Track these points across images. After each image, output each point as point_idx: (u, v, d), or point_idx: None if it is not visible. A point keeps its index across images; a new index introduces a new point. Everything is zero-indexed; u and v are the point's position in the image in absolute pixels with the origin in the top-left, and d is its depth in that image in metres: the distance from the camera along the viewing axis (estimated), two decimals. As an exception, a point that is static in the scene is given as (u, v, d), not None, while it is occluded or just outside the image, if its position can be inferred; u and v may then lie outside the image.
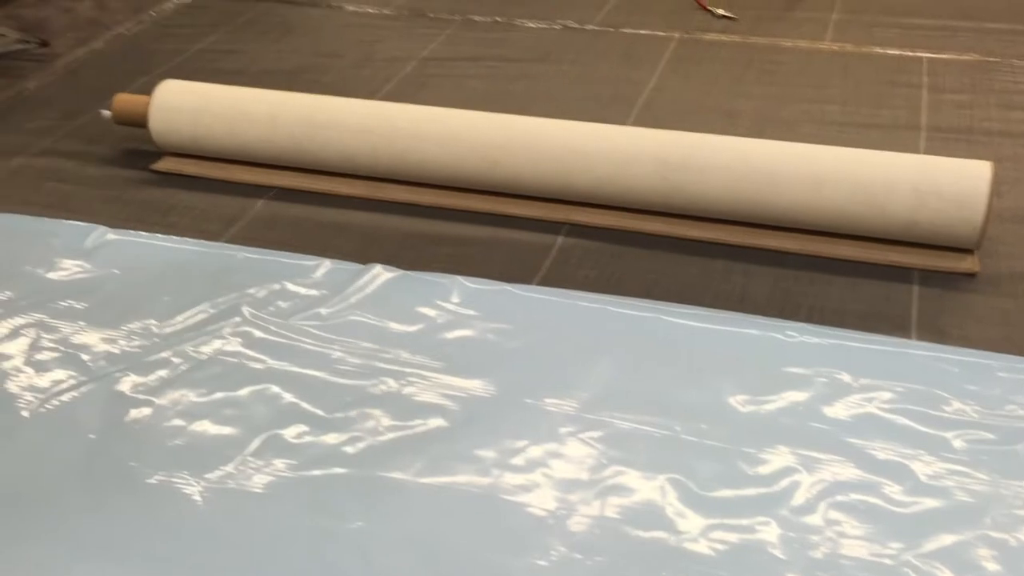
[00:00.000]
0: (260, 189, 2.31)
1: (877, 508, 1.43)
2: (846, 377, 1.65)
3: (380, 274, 1.94)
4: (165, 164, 2.41)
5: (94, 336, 1.81)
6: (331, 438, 1.58)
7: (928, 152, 2.31)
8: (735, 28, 3.05)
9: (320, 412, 1.63)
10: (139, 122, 2.38)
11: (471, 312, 1.84)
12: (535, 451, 1.54)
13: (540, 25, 3.12)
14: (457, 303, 1.86)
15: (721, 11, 3.11)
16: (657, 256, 2.02)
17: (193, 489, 1.49)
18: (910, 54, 2.82)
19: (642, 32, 3.05)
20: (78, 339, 1.81)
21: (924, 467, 1.49)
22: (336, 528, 1.43)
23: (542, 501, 1.46)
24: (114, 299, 1.91)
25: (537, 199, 2.19)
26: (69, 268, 2.01)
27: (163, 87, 2.38)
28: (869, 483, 1.47)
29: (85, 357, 1.76)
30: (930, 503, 1.44)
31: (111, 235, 2.10)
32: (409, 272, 1.96)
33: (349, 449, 1.56)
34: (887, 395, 1.62)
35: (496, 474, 1.50)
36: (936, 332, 1.78)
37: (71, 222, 2.15)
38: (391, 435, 1.58)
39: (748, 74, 2.78)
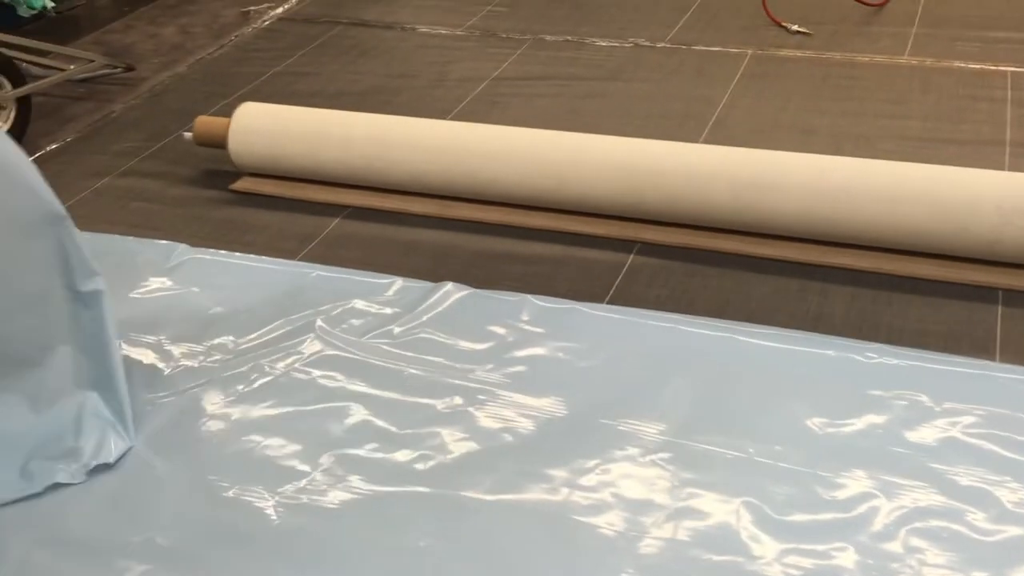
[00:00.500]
0: (335, 208, 2.34)
1: (960, 536, 1.38)
2: (927, 400, 1.61)
3: (451, 292, 1.95)
4: (243, 184, 2.46)
5: (175, 351, 1.86)
6: (402, 455, 1.59)
7: (1012, 168, 2.24)
8: (810, 43, 3.00)
9: (392, 428, 1.64)
10: (219, 143, 2.45)
11: (541, 330, 1.84)
12: (606, 471, 1.53)
13: (611, 43, 3.12)
14: (527, 321, 1.87)
15: (796, 26, 3.07)
16: (730, 275, 2.00)
17: (267, 503, 1.52)
18: (993, 68, 2.74)
19: (714, 49, 3.02)
20: (158, 353, 1.85)
21: (1010, 494, 1.44)
22: (406, 544, 1.44)
23: (613, 522, 1.45)
24: (194, 315, 1.96)
25: (607, 217, 2.18)
26: (152, 285, 2.06)
27: (242, 110, 2.44)
28: (952, 510, 1.42)
29: (166, 371, 1.81)
30: (1016, 531, 1.39)
31: (192, 254, 2.15)
32: (479, 290, 1.97)
33: (420, 466, 1.56)
34: (970, 419, 1.57)
35: (566, 493, 1.50)
36: (1022, 354, 1.72)
37: (154, 241, 2.22)
38: (461, 452, 1.59)
39: (824, 90, 2.73)
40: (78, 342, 1.65)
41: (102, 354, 1.66)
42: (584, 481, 1.52)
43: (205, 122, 2.50)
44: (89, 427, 1.63)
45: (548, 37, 3.19)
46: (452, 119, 2.66)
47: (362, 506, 1.51)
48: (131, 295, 2.03)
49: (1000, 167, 2.25)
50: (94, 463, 1.59)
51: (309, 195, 2.39)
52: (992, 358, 1.72)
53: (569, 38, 3.18)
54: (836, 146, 2.40)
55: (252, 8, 3.65)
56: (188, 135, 2.51)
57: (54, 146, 2.73)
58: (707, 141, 2.48)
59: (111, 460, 1.60)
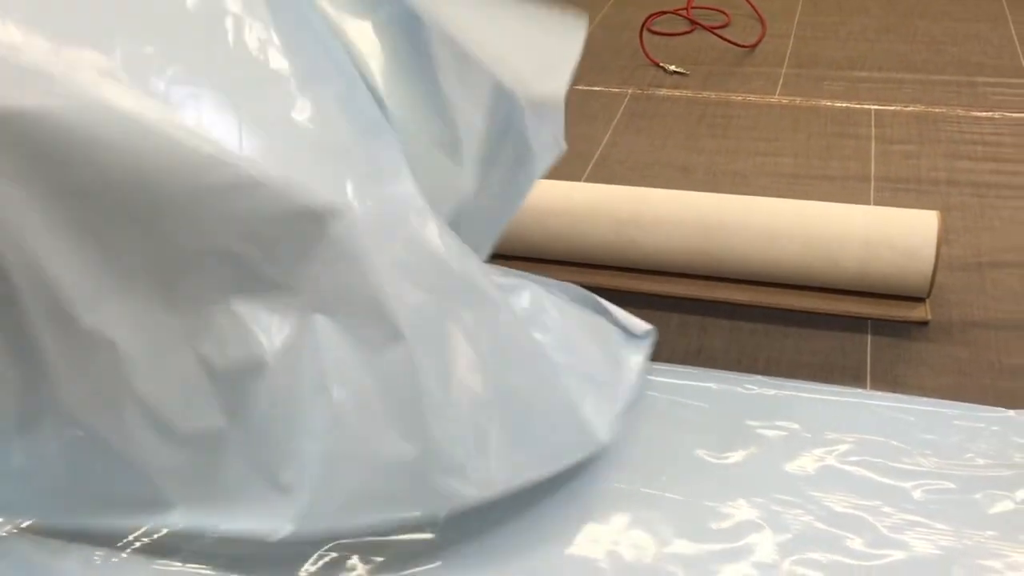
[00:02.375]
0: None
1: (839, 563, 1.42)
2: (803, 429, 1.65)
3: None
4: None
5: None
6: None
7: (878, 202, 2.35)
8: (687, 83, 3.10)
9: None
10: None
11: None
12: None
13: (495, 83, 3.14)
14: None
15: (673, 67, 3.16)
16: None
17: None
18: (857, 106, 2.87)
19: (596, 88, 3.09)
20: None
21: (884, 519, 1.48)
22: None
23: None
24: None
25: (496, 256, 2.18)
26: None
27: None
28: (831, 536, 1.46)
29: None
30: (894, 555, 1.43)
31: None
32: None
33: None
34: (845, 447, 1.61)
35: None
36: (891, 381, 1.79)
37: None
38: None
39: (701, 128, 2.81)
40: None
41: None
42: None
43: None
44: None
45: (432, 76, 3.20)
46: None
47: None
48: None
49: (866, 201, 2.36)
50: None
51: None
52: (864, 386, 1.78)
53: (453, 77, 3.19)
54: (713, 183, 2.47)
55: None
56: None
57: None
58: (590, 179, 2.52)
59: None
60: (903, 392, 1.75)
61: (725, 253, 2.02)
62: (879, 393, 1.74)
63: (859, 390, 1.75)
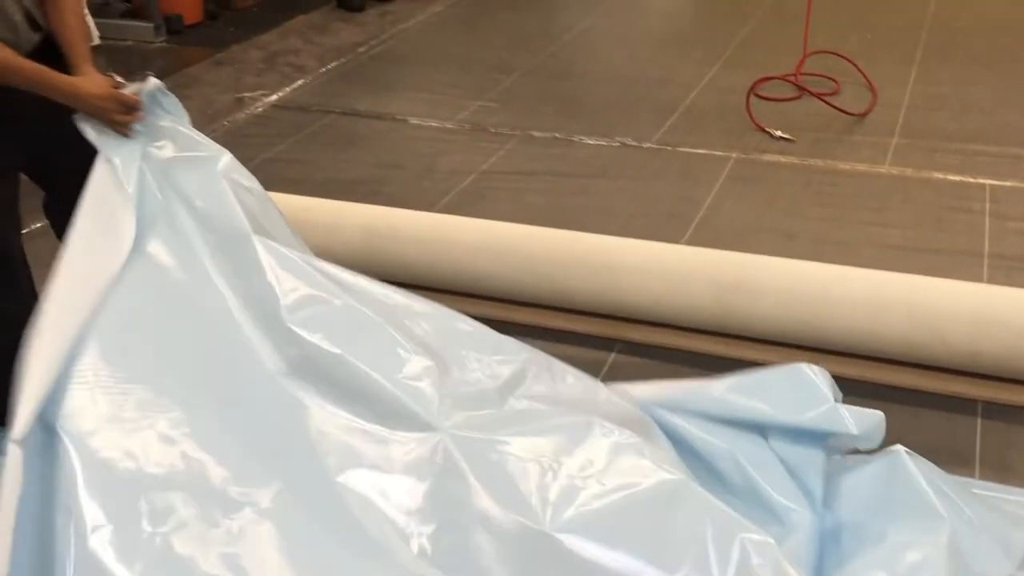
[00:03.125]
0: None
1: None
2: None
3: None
4: (227, 268, 2.46)
5: None
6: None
7: (991, 281, 2.27)
8: (793, 149, 3.06)
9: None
10: (205, 227, 2.45)
11: None
12: None
13: (598, 142, 3.17)
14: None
15: (779, 132, 3.14)
16: (712, 377, 1.99)
17: None
18: (972, 180, 2.80)
19: (699, 151, 3.08)
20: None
21: None
22: None
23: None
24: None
25: (590, 314, 2.18)
26: None
27: (230, 194, 2.45)
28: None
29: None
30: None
31: None
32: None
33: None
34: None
35: None
36: (1001, 468, 1.71)
37: None
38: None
39: (806, 195, 2.78)
40: None
41: None
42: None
43: (192, 205, 2.50)
44: None
45: (537, 133, 3.25)
46: (439, 211, 2.69)
47: None
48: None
49: (979, 279, 2.28)
50: None
51: (292, 282, 2.39)
52: (972, 472, 1.70)
53: (557, 135, 3.24)
54: (817, 252, 2.43)
55: (247, 95, 3.71)
56: (175, 218, 2.52)
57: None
58: (690, 242, 2.51)
59: None
60: (1013, 481, 1.67)
61: (827, 324, 1.97)
62: (986, 483, 1.67)
63: (967, 479, 1.68)
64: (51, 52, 1.81)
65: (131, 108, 1.67)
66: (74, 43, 1.84)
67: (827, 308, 1.98)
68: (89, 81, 1.70)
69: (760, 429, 1.59)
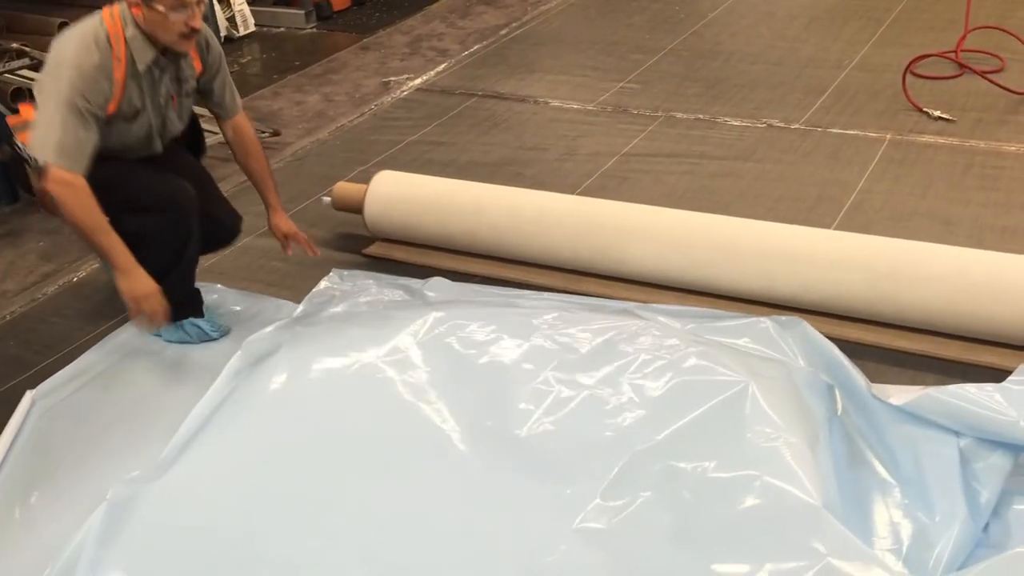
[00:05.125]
0: (463, 277, 2.38)
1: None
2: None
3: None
4: (376, 249, 2.54)
5: None
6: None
7: None
8: (952, 130, 2.92)
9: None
10: (355, 209, 2.53)
11: None
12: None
13: (744, 123, 3.10)
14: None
15: (938, 112, 2.99)
16: (864, 367, 1.92)
17: None
18: None
19: (850, 132, 2.97)
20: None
21: None
22: None
23: None
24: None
25: (737, 299, 2.15)
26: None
27: (379, 178, 2.52)
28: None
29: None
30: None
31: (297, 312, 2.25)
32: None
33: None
34: None
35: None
36: None
37: (272, 299, 2.35)
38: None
39: (967, 179, 2.64)
40: None
41: None
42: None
43: (343, 188, 2.59)
44: None
45: (680, 115, 3.21)
46: (581, 193, 2.69)
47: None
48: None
49: None
50: None
51: (439, 263, 2.44)
52: None
53: (701, 116, 3.18)
54: (978, 239, 2.31)
55: (392, 79, 3.79)
56: (327, 199, 2.61)
57: (202, 204, 2.88)
58: (841, 227, 2.43)
59: None
60: None
61: (991, 315, 1.88)
62: None
63: None
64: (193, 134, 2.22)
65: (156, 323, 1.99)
66: (260, 188, 2.27)
67: (989, 298, 1.89)
68: (139, 281, 1.94)
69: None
